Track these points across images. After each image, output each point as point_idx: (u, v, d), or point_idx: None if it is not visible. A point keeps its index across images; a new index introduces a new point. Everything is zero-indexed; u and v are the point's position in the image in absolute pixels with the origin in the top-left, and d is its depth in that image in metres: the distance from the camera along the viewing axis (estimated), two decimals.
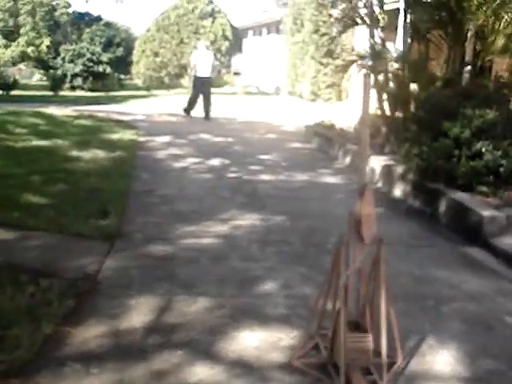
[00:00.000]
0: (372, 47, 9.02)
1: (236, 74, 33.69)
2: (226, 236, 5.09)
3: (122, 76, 30.65)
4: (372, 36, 9.04)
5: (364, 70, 10.64)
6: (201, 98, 15.16)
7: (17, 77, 26.52)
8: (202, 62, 15.12)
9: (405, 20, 8.77)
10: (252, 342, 3.16)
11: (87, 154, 8.43)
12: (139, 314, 3.43)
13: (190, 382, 2.74)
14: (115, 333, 3.18)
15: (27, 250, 4.41)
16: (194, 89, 15.23)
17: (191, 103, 15.30)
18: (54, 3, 46.03)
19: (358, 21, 9.19)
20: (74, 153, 8.51)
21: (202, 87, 14.98)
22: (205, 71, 15.07)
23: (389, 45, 10.18)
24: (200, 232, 5.16)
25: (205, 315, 3.46)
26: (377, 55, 8.91)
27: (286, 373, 2.87)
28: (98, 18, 36.57)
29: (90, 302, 3.57)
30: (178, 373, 2.81)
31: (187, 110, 15.36)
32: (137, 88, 26.55)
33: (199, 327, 3.29)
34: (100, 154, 8.58)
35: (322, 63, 15.73)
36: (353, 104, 14.63)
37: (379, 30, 9.08)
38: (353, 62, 9.40)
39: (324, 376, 2.83)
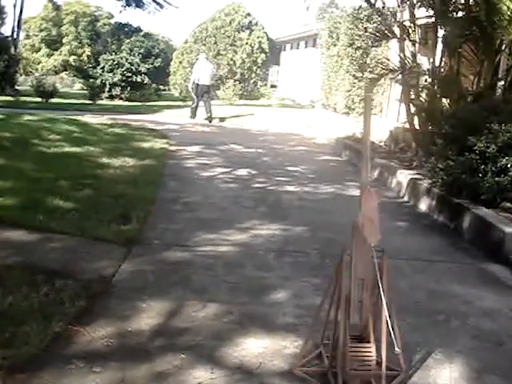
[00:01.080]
0: (402, 61, 8.99)
1: (273, 86, 33.83)
2: (243, 244, 5.13)
3: (161, 86, 31.08)
4: (402, 50, 9.02)
5: (397, 85, 10.66)
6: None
7: (58, 85, 27.13)
8: (202, 71, 17.40)
9: (435, 34, 8.71)
10: (256, 349, 3.18)
11: (117, 162, 8.57)
12: (149, 316, 3.48)
13: None
14: (122, 334, 3.24)
15: (47, 251, 4.51)
16: (195, 95, 17.40)
17: (193, 108, 17.61)
18: (96, 14, 47.11)
19: (389, 34, 9.18)
20: (104, 160, 8.66)
21: (202, 93, 17.23)
22: (204, 79, 17.29)
23: (423, 59, 10.13)
24: (219, 240, 5.21)
25: (212, 321, 3.50)
26: (406, 69, 8.88)
27: (286, 380, 2.88)
28: (138, 29, 37.23)
29: (102, 304, 3.64)
30: (178, 375, 2.85)
31: (192, 116, 17.61)
32: (173, 98, 26.85)
33: (205, 332, 3.33)
34: (130, 161, 8.71)
35: (356, 77, 15.71)
36: (386, 118, 14.57)
37: (410, 44, 9.04)
38: (382, 75, 9.39)
39: None
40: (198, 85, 17.25)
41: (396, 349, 2.72)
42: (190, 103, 18.65)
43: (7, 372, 2.71)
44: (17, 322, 3.16)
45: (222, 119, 18.18)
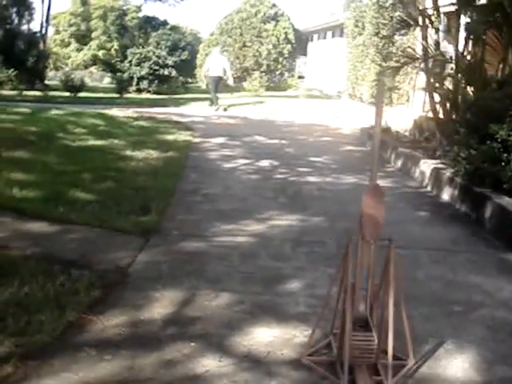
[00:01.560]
0: (425, 49, 8.89)
1: (300, 77, 33.69)
2: (260, 235, 5.14)
3: (188, 79, 31.16)
4: (425, 38, 8.91)
5: (422, 74, 10.53)
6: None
7: (87, 80, 27.42)
8: (214, 64, 18.67)
9: (458, 22, 8.58)
10: (266, 338, 3.20)
11: (140, 154, 8.65)
12: (161, 306, 3.52)
13: (196, 373, 2.80)
14: (135, 323, 3.29)
15: (65, 242, 4.59)
16: (210, 85, 18.98)
17: (212, 97, 18.87)
18: (124, 8, 47.42)
19: (411, 23, 9.08)
20: (128, 152, 8.75)
21: (214, 84, 18.57)
22: (216, 72, 18.53)
23: (448, 47, 10.00)
24: (236, 230, 5.23)
25: (224, 310, 3.53)
26: (429, 57, 8.77)
27: (293, 369, 2.89)
28: (165, 23, 37.33)
29: (117, 293, 3.69)
30: (187, 363, 2.88)
31: (211, 103, 18.84)
32: (200, 91, 26.90)
33: (216, 321, 3.36)
34: (153, 154, 8.78)
35: (382, 66, 15.54)
36: (412, 107, 14.42)
37: (433, 32, 8.93)
38: (404, 64, 9.29)
39: (330, 374, 2.83)
40: (210, 77, 18.64)
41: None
42: (219, 96, 19.38)
43: (19, 359, 2.77)
44: (31, 311, 3.23)
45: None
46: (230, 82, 20.19)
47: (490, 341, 3.37)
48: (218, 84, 18.83)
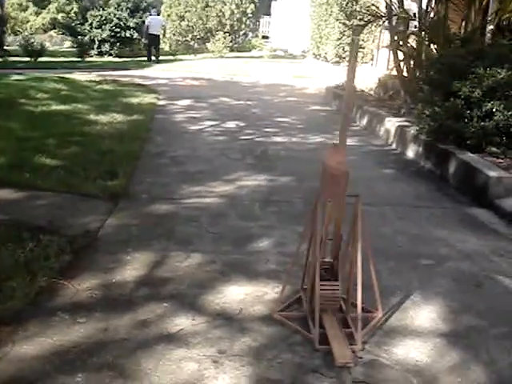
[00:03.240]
0: (388, 7, 8.88)
1: (264, 37, 33.36)
2: (229, 196, 5.17)
3: None
4: None
5: (386, 32, 10.54)
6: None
7: (47, 44, 26.66)
8: (153, 23, 22.15)
9: None
10: (237, 296, 3.25)
11: (105, 118, 8.54)
12: (133, 268, 3.54)
13: (170, 332, 2.84)
14: (107, 286, 3.30)
15: (33, 208, 4.55)
16: (148, 41, 22.70)
17: (148, 53, 22.51)
18: None
19: None
20: (92, 117, 8.63)
21: (153, 41, 22.31)
22: (155, 30, 22.07)
23: (412, 5, 10.02)
24: (204, 192, 5.25)
25: (196, 270, 3.56)
26: (393, 15, 8.78)
27: (266, 325, 2.95)
28: None
29: (87, 258, 3.69)
30: (160, 323, 2.92)
31: (147, 59, 22.19)
32: (163, 53, 26.47)
33: (188, 281, 3.40)
34: (117, 117, 8.68)
35: (345, 25, 15.46)
36: (377, 66, 14.45)
37: None
38: (368, 22, 9.28)
39: (301, 328, 2.90)
40: (149, 34, 22.07)
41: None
42: (180, 57, 21.91)
43: None
44: (2, 278, 3.21)
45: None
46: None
47: (455, 292, 3.48)
48: (159, 40, 22.77)
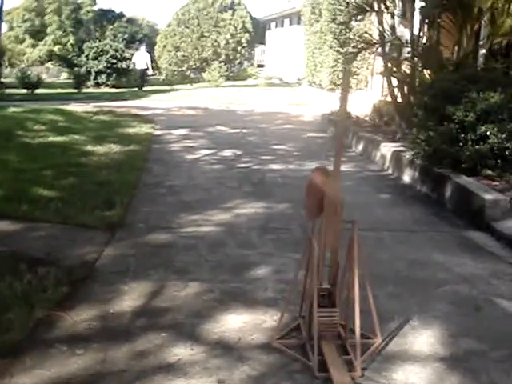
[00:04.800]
0: (381, 34, 8.99)
1: (259, 66, 33.70)
2: (226, 224, 5.18)
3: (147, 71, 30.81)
4: (381, 23, 9.01)
5: (380, 59, 10.65)
6: None
7: (44, 76, 26.86)
8: (140, 59, 24.45)
9: (413, 5, 8.70)
10: (236, 324, 3.24)
11: (102, 149, 8.57)
12: (130, 298, 3.53)
13: (169, 362, 2.83)
14: (104, 316, 3.29)
15: (31, 240, 4.55)
16: (136, 75, 24.90)
17: (138, 84, 24.26)
18: (79, 1, 46.63)
19: (367, 8, 9.17)
20: (89, 147, 8.66)
21: (141, 74, 24.42)
22: (140, 65, 24.44)
23: (404, 31, 10.13)
24: (202, 221, 5.26)
25: (194, 299, 3.56)
26: (386, 42, 8.89)
27: (265, 353, 2.94)
28: (121, 15, 36.90)
29: (85, 288, 3.69)
30: (158, 353, 2.90)
31: (139, 88, 23.65)
32: (159, 83, 26.72)
33: (186, 311, 3.39)
34: (114, 148, 8.71)
35: (340, 52, 15.66)
36: (371, 92, 14.58)
37: (389, 16, 9.03)
38: (361, 49, 9.39)
39: (300, 355, 2.89)
40: (137, 69, 24.45)
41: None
42: (176, 86, 22.58)
43: None
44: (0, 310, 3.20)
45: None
46: (150, 72, 25.54)
47: (454, 315, 3.48)
48: (143, 74, 24.55)
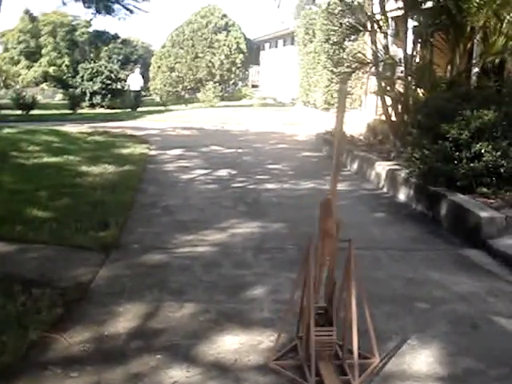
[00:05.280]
0: (374, 54, 9.05)
1: (254, 86, 33.86)
2: (221, 244, 5.15)
3: (142, 92, 30.96)
4: (374, 43, 9.07)
5: (374, 78, 10.71)
6: None
7: (39, 97, 26.93)
8: (134, 81, 24.94)
9: (406, 25, 8.78)
10: (232, 345, 3.21)
11: (97, 169, 8.56)
12: (125, 320, 3.50)
13: None
14: (99, 338, 3.25)
15: (25, 261, 4.51)
16: (130, 96, 25.07)
17: (132, 105, 24.34)
18: (74, 23, 46.84)
19: (360, 28, 9.24)
20: (84, 168, 8.65)
21: (135, 95, 24.80)
22: (136, 86, 24.90)
23: (397, 51, 10.21)
24: (196, 241, 5.23)
25: (189, 320, 3.52)
26: (379, 62, 8.94)
27: (261, 374, 2.91)
28: (115, 36, 37.05)
29: (79, 310, 3.65)
30: (154, 376, 2.87)
31: (133, 109, 23.83)
32: (154, 104, 26.82)
33: (182, 332, 3.35)
34: (109, 168, 8.70)
35: (333, 72, 15.75)
36: (365, 111, 14.64)
37: (382, 36, 9.10)
38: (355, 69, 9.45)
39: (298, 376, 2.86)
40: (131, 90, 24.97)
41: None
42: (170, 107, 22.76)
43: None
44: None
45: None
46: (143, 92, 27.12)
47: (452, 334, 3.45)
48: (138, 96, 25.16)
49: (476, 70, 8.47)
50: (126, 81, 25.94)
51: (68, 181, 7.67)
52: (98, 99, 25.75)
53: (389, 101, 9.36)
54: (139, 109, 24.03)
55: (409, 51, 8.88)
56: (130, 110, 23.90)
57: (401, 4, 8.88)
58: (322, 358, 2.86)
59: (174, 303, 3.76)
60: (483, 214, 5.46)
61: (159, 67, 28.27)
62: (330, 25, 16.54)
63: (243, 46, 29.00)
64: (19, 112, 21.44)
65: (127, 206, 6.45)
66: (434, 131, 6.51)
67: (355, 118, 12.98)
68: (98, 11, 19.20)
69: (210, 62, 28.16)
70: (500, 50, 7.71)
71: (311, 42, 19.13)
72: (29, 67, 47.46)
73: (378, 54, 9.09)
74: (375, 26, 9.07)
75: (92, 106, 25.55)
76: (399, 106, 9.10)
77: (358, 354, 2.82)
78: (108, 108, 25.19)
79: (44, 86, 42.52)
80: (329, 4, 13.90)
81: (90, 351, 3.11)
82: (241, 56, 28.87)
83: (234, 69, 28.89)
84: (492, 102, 6.44)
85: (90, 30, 45.37)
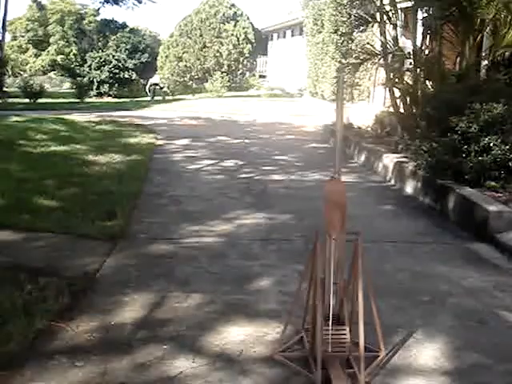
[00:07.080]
0: (383, 45, 9.00)
1: (261, 76, 33.75)
2: (228, 235, 5.15)
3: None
4: (383, 34, 9.01)
5: (382, 69, 10.65)
6: None
7: (47, 85, 27.00)
8: (153, 79, 27.30)
9: (415, 17, 8.72)
10: (238, 336, 3.20)
11: (104, 158, 8.57)
12: (132, 310, 3.50)
13: (170, 375, 2.80)
14: (105, 328, 3.26)
15: (32, 250, 4.53)
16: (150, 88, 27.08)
17: (151, 96, 26.05)
18: (82, 11, 46.86)
19: (369, 19, 9.18)
20: (91, 157, 8.66)
21: (154, 88, 26.61)
22: (155, 80, 27.22)
23: (407, 42, 10.13)
24: (203, 231, 5.23)
25: (195, 311, 3.52)
26: (388, 53, 8.89)
27: (267, 366, 2.90)
28: (123, 25, 37.02)
29: (85, 299, 3.65)
30: (160, 366, 2.87)
31: (151, 100, 25.33)
32: (161, 93, 26.79)
33: (188, 322, 3.35)
34: (117, 157, 8.71)
35: (342, 63, 15.66)
36: (373, 103, 14.58)
37: (391, 27, 9.04)
38: (364, 60, 9.39)
39: (303, 369, 2.85)
40: (151, 83, 27.02)
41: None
42: (178, 97, 21.28)
43: None
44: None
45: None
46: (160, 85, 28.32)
47: (459, 329, 3.44)
48: (155, 89, 26.74)
49: (485, 62, 8.40)
50: (133, 69, 25.94)
51: (75, 170, 7.68)
52: (105, 88, 25.83)
53: (397, 93, 9.30)
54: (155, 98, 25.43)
55: (418, 43, 8.81)
56: (148, 98, 25.38)
57: None
58: (333, 357, 2.83)
59: (181, 293, 3.76)
60: (491, 208, 5.42)
61: (167, 57, 28.24)
62: (338, 15, 16.49)
63: (251, 36, 28.93)
64: (27, 100, 21.50)
65: (134, 195, 6.45)
66: (443, 124, 6.47)
67: (363, 110, 12.94)
68: (106, 0, 19.16)
69: (218, 51, 28.13)
70: (510, 43, 7.64)
71: (319, 32, 19.02)
72: (37, 55, 47.59)
73: (387, 46, 9.03)
74: (384, 17, 9.00)
75: (99, 94, 25.61)
76: (408, 98, 9.04)
77: (363, 347, 2.81)
78: (115, 97, 25.23)
79: (52, 74, 42.61)
80: None
81: (96, 341, 3.11)
82: (249, 46, 28.80)
83: (241, 59, 28.85)
84: (501, 96, 6.39)
85: (98, 18, 45.43)
